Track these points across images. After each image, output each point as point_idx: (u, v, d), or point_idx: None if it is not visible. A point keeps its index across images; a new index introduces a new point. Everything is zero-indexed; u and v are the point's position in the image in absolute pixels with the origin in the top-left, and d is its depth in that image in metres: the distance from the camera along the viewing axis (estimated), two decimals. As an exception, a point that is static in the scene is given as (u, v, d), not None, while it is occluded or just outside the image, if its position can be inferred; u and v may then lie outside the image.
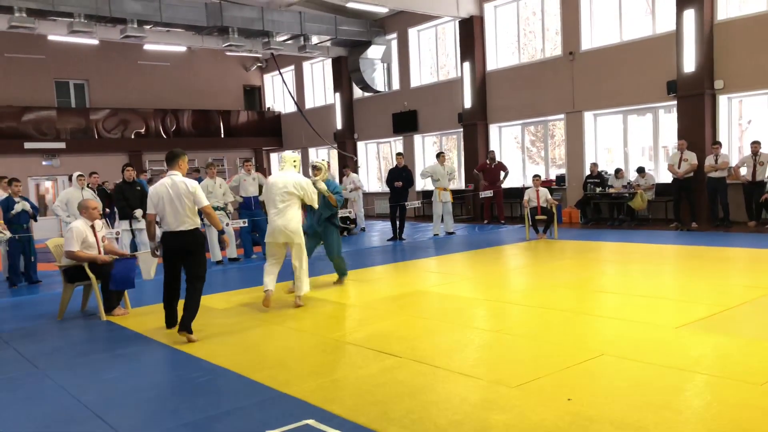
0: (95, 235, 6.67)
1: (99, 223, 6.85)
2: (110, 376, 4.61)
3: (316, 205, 6.88)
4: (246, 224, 10.67)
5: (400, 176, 12.64)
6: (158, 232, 5.89)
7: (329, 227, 7.62)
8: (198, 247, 5.62)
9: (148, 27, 14.90)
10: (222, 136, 23.00)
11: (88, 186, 10.17)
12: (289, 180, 6.60)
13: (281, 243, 6.67)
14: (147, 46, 18.33)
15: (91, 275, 6.48)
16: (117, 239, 9.80)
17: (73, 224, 6.66)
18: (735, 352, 4.34)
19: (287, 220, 6.55)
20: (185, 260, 5.58)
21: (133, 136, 21.12)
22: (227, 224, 10.30)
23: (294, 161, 6.83)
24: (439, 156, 13.15)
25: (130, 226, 9.73)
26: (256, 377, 4.30)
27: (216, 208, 10.28)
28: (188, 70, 22.58)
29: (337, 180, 14.94)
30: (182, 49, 19.48)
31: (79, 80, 21.01)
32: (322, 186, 7.10)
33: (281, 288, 7.33)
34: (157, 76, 21.96)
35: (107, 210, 11.67)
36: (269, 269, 6.72)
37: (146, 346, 5.40)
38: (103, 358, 5.15)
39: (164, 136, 21.65)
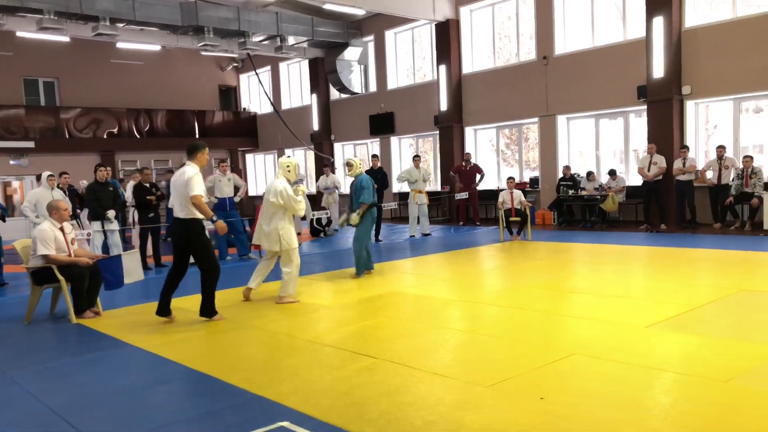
0: (65, 237, 6.56)
1: (68, 225, 6.74)
2: (80, 380, 4.54)
3: (301, 214, 6.91)
4: (220, 225, 10.56)
5: (376, 178, 12.65)
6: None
7: (365, 217, 8.12)
8: (192, 238, 5.87)
9: (121, 25, 14.70)
10: (197, 136, 22.74)
11: (58, 186, 10.00)
12: (272, 189, 6.70)
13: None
14: (120, 45, 18.05)
15: (60, 277, 6.37)
16: (88, 240, 9.64)
17: (39, 227, 6.54)
18: (701, 351, 4.45)
19: (269, 230, 6.73)
20: (188, 251, 5.95)
21: (105, 136, 20.78)
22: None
23: (288, 167, 6.87)
24: (415, 159, 13.26)
25: (102, 227, 9.58)
26: (230, 380, 4.28)
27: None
28: (163, 69, 22.31)
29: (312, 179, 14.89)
30: (156, 48, 19.25)
31: (49, 78, 20.62)
32: (302, 189, 7.08)
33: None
34: (131, 75, 21.65)
35: (78, 211, 11.50)
36: (259, 267, 7.09)
37: (118, 349, 5.33)
38: (73, 362, 5.06)
39: (137, 136, 21.36)
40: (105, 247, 9.61)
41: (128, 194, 11.10)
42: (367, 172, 13.03)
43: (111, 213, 9.49)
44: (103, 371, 4.74)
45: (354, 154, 20.65)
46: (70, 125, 20.07)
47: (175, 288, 6.15)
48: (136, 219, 10.41)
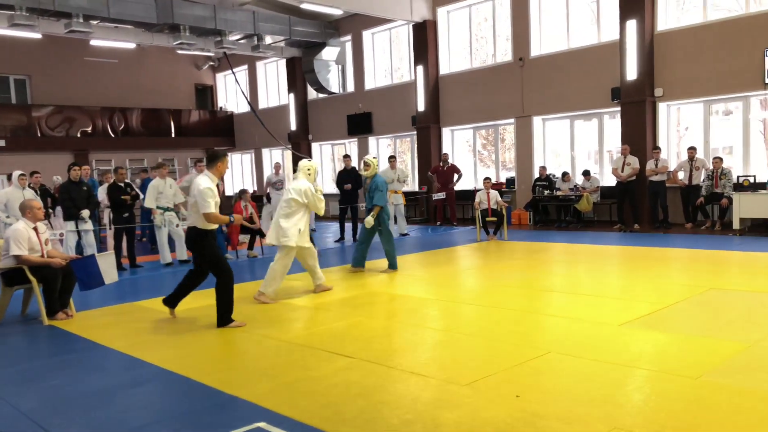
0: (38, 238, 6.46)
1: (42, 225, 6.63)
2: (53, 382, 4.47)
3: (321, 213, 7.21)
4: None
5: (349, 178, 12.69)
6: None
7: (381, 215, 8.36)
8: (196, 246, 5.80)
9: (95, 22, 14.48)
10: (173, 135, 22.52)
11: (29, 186, 9.82)
12: (294, 189, 6.95)
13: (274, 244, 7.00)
14: (94, 42, 17.75)
15: (31, 278, 6.25)
16: (61, 241, 9.49)
17: (13, 227, 6.42)
18: (673, 348, 4.54)
19: (288, 226, 6.84)
20: (198, 257, 5.89)
21: (78, 135, 20.45)
22: (177, 225, 10.13)
23: (309, 170, 7.16)
24: (391, 159, 13.33)
25: (76, 227, 9.44)
26: (206, 381, 4.25)
27: (166, 209, 10.11)
28: (138, 67, 22.02)
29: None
30: (131, 45, 18.98)
31: (20, 75, 20.21)
32: (320, 189, 7.34)
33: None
34: (105, 73, 21.34)
35: (50, 210, 11.32)
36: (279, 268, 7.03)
37: (92, 351, 5.26)
38: (45, 364, 4.98)
39: (112, 135, 21.07)
40: (79, 248, 9.47)
41: (101, 194, 10.94)
42: (339, 172, 13.09)
43: (85, 213, 9.36)
44: (76, 373, 4.67)
45: (332, 153, 20.63)
46: (42, 124, 19.71)
47: (190, 288, 6.08)
48: (110, 219, 10.28)
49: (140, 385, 4.33)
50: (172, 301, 6.18)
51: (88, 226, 9.43)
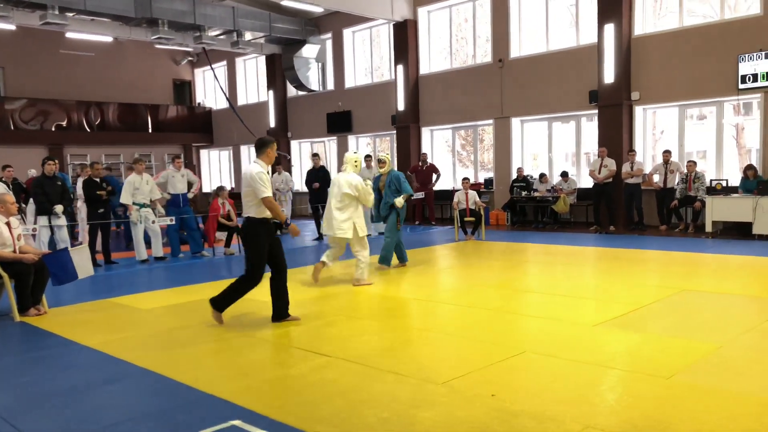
0: (11, 233, 6.33)
1: (15, 220, 6.51)
2: (24, 379, 4.40)
3: (370, 205, 7.58)
4: (173, 222, 10.39)
5: (317, 177, 12.69)
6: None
7: (392, 212, 8.54)
8: (246, 237, 5.65)
9: (71, 14, 14.25)
10: (150, 131, 22.24)
11: (1, 180, 9.63)
12: (344, 182, 7.26)
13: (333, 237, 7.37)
14: (70, 35, 17.47)
15: (3, 273, 6.14)
16: (34, 236, 9.32)
17: (-15, 221, 6.30)
18: (646, 348, 4.61)
19: (344, 219, 7.23)
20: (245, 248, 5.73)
21: (53, 129, 20.11)
22: (153, 221, 10.01)
23: (356, 162, 7.46)
24: (366, 158, 13.45)
25: (49, 222, 9.28)
26: (180, 378, 4.22)
27: (142, 205, 9.99)
28: (114, 61, 21.71)
29: None
30: (108, 39, 18.71)
31: (-8, 67, 19.86)
32: (368, 182, 7.64)
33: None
34: (81, 66, 21.00)
35: (23, 205, 11.10)
36: (328, 252, 7.54)
37: (64, 348, 5.18)
38: (15, 361, 4.90)
39: (87, 130, 20.74)
40: (52, 243, 9.31)
41: (78, 190, 10.77)
42: (308, 171, 13.12)
43: (59, 208, 9.20)
44: (47, 370, 4.59)
45: (311, 151, 20.56)
46: (16, 116, 19.35)
47: (281, 290, 5.74)
48: (83, 215, 10.12)
49: (113, 382, 4.27)
50: (279, 314, 5.78)
51: (61, 221, 9.28)
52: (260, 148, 5.65)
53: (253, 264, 5.58)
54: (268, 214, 5.54)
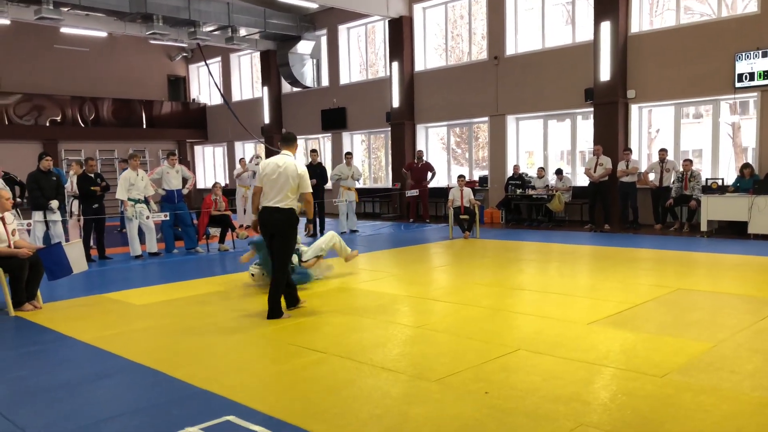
0: (5, 228, 6.30)
1: (10, 215, 6.48)
2: (19, 373, 4.39)
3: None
4: (167, 218, 10.37)
5: (314, 173, 12.67)
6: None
7: None
8: (283, 229, 5.64)
9: (66, 9, 14.17)
10: (144, 126, 22.18)
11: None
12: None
13: None
14: (64, 30, 17.37)
15: (-3, 269, 6.13)
16: (28, 231, 9.28)
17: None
18: (639, 347, 4.62)
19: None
20: (272, 242, 5.70)
21: (47, 124, 20.03)
22: (147, 217, 9.99)
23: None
24: (347, 156, 13.56)
25: (44, 217, 9.24)
26: (174, 373, 4.21)
27: (137, 201, 9.96)
28: (109, 56, 21.63)
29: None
30: (103, 34, 18.62)
31: (-13, 62, 19.74)
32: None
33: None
34: (75, 61, 20.91)
35: (18, 200, 11.05)
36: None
37: (59, 343, 5.17)
38: (10, 356, 4.88)
39: (82, 125, 20.67)
40: (47, 238, 9.28)
41: (71, 185, 10.72)
42: (305, 167, 13.07)
43: (54, 203, 9.17)
44: (43, 365, 4.59)
45: (305, 148, 20.52)
46: (10, 111, 19.26)
47: (288, 279, 5.93)
48: (76, 210, 10.08)
49: (108, 377, 4.27)
50: (291, 301, 5.97)
51: (56, 216, 9.24)
52: (292, 141, 5.93)
53: (281, 256, 5.69)
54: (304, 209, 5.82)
